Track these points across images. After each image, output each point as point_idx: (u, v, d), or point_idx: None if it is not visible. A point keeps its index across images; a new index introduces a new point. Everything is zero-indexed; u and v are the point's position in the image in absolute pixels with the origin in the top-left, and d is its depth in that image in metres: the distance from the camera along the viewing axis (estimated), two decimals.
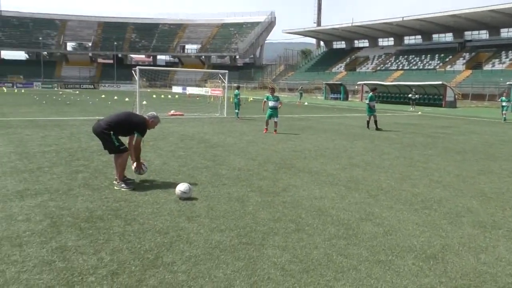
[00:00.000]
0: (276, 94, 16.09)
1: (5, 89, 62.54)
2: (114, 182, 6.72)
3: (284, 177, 7.72)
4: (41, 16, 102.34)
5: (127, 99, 38.60)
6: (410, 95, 37.48)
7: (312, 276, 3.73)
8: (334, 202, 6.17)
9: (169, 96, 48.75)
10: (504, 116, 24.79)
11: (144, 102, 29.50)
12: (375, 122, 17.37)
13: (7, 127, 14.48)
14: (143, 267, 3.79)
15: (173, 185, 6.70)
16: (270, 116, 15.22)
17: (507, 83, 43.58)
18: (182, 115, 21.78)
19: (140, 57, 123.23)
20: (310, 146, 12.04)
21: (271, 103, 15.15)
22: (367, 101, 17.61)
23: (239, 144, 11.85)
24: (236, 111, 20.70)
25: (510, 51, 59.95)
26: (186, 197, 6.02)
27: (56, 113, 21.08)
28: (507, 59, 58.88)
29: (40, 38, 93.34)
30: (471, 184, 7.70)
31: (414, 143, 13.31)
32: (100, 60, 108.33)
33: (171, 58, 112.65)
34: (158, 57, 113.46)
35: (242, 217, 5.33)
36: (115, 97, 42.96)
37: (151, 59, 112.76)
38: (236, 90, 21.40)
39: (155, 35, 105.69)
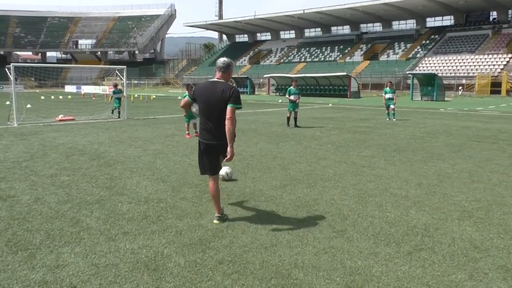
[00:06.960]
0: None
1: None
2: (216, 220, 5.11)
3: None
4: None
5: (8, 102, 33.28)
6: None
7: None
8: (295, 252, 4.19)
9: (61, 97, 43.47)
10: (392, 112, 18.40)
11: (28, 106, 25.38)
12: (295, 119, 15.88)
13: None
14: None
15: (44, 244, 4.24)
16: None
17: (407, 72, 45.42)
18: (73, 119, 18.47)
19: (27, 54, 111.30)
20: None
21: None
22: (287, 96, 15.93)
23: (144, 158, 9.41)
24: (115, 109, 19.57)
25: (402, 42, 63.31)
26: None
27: None
28: (400, 50, 62.07)
29: None
30: (442, 196, 6.23)
31: (346, 142, 11.89)
32: None
33: (63, 55, 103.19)
34: (48, 54, 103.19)
35: None
36: None
37: (39, 56, 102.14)
38: (114, 88, 20.05)
39: (44, 29, 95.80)
